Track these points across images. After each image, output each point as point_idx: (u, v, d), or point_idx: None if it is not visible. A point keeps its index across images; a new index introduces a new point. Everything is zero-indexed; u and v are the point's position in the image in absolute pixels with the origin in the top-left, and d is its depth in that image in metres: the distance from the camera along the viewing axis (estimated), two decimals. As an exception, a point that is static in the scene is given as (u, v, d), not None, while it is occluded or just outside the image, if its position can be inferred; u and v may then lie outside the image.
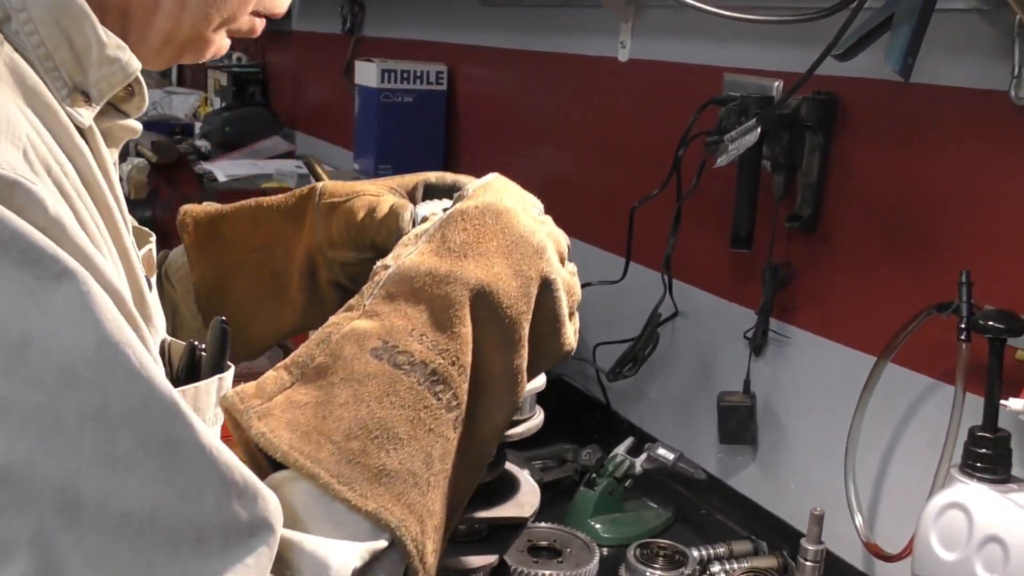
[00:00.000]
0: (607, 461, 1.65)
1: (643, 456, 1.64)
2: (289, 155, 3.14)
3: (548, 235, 0.78)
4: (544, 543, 1.53)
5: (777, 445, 1.58)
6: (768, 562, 1.50)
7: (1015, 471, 1.09)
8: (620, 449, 1.67)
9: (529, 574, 1.44)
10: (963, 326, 1.11)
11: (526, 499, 0.94)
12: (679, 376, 1.80)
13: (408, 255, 0.73)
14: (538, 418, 0.93)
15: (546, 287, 0.74)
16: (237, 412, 0.63)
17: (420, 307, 0.68)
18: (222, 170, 2.50)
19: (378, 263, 0.75)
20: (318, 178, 1.51)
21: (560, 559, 1.50)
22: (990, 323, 1.07)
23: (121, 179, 2.14)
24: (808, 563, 1.17)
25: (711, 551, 1.53)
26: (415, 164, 2.58)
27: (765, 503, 1.61)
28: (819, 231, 1.47)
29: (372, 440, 0.61)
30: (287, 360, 0.67)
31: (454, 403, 0.66)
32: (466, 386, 0.67)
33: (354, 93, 2.58)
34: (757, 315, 1.56)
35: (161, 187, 1.85)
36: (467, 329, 0.68)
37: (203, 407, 0.68)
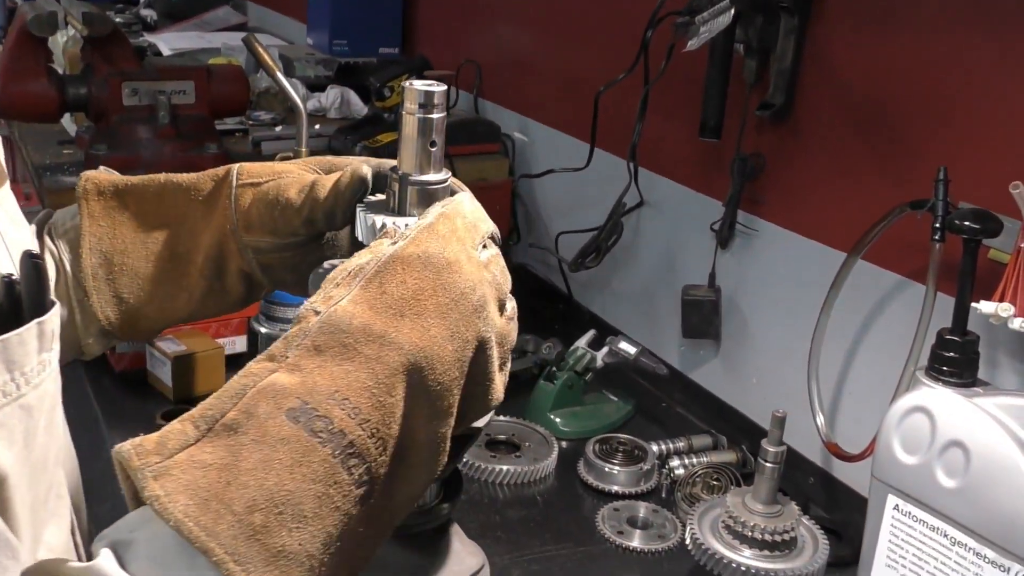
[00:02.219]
0: (568, 354, 1.61)
1: (604, 350, 1.61)
2: (240, 27, 2.99)
3: (490, 284, 0.70)
4: (502, 437, 1.51)
5: (740, 341, 1.56)
6: (727, 456, 1.49)
7: (981, 375, 1.07)
8: (581, 342, 1.64)
9: (486, 469, 1.43)
10: (937, 225, 1.07)
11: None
12: (643, 268, 1.76)
13: (341, 301, 0.64)
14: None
15: (480, 348, 0.67)
16: (132, 469, 0.55)
17: (347, 367, 0.61)
18: (166, 43, 2.37)
19: (305, 305, 0.66)
20: (260, 63, 1.42)
21: (518, 453, 1.48)
22: (965, 223, 1.03)
23: (55, 53, 2.01)
24: (768, 464, 1.15)
25: (670, 445, 1.52)
26: (371, 41, 2.47)
27: (726, 398, 1.60)
28: (791, 121, 1.41)
29: (276, 515, 0.55)
30: (194, 412, 0.59)
31: (365, 479, 0.59)
32: (384, 458, 0.60)
33: (306, -35, 2.44)
34: (724, 207, 1.51)
35: (96, 62, 1.73)
36: (394, 399, 0.61)
37: (20, 358, 0.60)
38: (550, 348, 1.59)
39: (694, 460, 1.48)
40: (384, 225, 0.79)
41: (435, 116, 0.79)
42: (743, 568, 1.16)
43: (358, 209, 0.83)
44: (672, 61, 1.50)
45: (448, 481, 0.90)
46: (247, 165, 0.87)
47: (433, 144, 0.80)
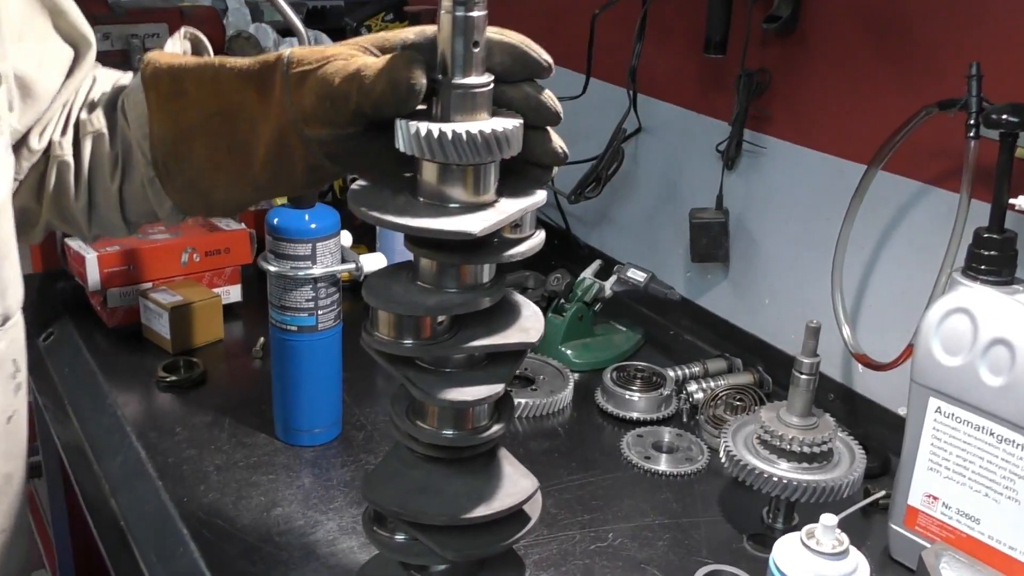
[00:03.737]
0: (575, 285, 1.59)
1: (613, 279, 1.59)
2: (198, -22, 2.87)
3: None
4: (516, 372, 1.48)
5: (750, 261, 1.54)
6: (744, 378, 1.48)
7: (1019, 273, 1.06)
8: (587, 273, 1.61)
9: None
10: (972, 122, 1.05)
11: (530, 323, 0.86)
12: (644, 196, 1.72)
13: None
14: (539, 236, 0.84)
15: None
16: None
17: None
18: (126, -6, 2.26)
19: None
20: None
21: (534, 387, 1.46)
22: (1003, 117, 1.01)
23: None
24: (803, 376, 1.13)
25: (686, 371, 1.50)
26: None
27: (737, 321, 1.58)
28: (798, 32, 1.38)
29: None
30: None
31: None
32: None
33: (269, -97, 2.34)
34: (731, 126, 1.48)
35: None
36: None
37: None
38: (559, 280, 1.56)
39: (711, 384, 1.46)
40: (429, 133, 0.75)
41: (476, 14, 0.75)
42: (783, 480, 1.14)
43: (397, 118, 0.78)
44: (671, -23, 1.46)
45: (499, 403, 0.87)
46: (298, 50, 0.82)
47: (476, 44, 0.76)
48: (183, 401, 1.42)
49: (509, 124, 0.77)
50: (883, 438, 1.33)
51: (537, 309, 0.89)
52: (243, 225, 1.69)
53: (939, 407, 1.07)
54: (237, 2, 2.30)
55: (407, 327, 0.81)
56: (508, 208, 0.79)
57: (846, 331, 1.27)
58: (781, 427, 1.16)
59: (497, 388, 0.83)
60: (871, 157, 1.23)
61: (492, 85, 0.78)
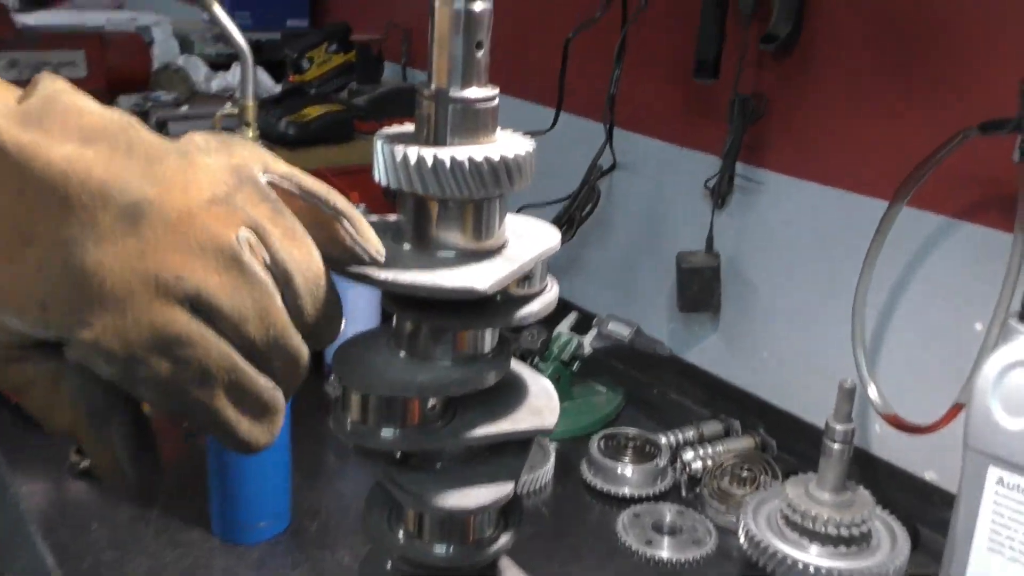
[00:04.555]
0: (551, 342, 1.41)
1: (592, 333, 1.42)
2: (118, 10, 2.67)
3: None
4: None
5: (745, 310, 1.38)
6: (744, 443, 1.32)
7: (1087, 319, 0.91)
8: (563, 327, 1.44)
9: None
10: (1027, 146, 0.91)
11: (541, 402, 0.69)
12: (622, 239, 1.57)
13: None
14: (553, 290, 0.67)
15: None
16: None
17: None
18: (40, 23, 2.06)
19: None
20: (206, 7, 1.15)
21: (510, 460, 1.27)
22: (1068, 140, 0.87)
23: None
24: (836, 445, 0.98)
25: (680, 436, 1.33)
26: (276, 13, 2.21)
27: (730, 377, 1.42)
28: (797, 53, 1.24)
29: None
30: None
31: None
32: None
33: (195, -71, 2.17)
34: (722, 159, 1.33)
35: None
36: None
37: None
38: (533, 336, 1.39)
39: (709, 450, 1.30)
40: (421, 161, 0.57)
41: (479, 7, 0.58)
42: (812, 568, 0.98)
43: (376, 140, 0.60)
44: (652, -2, 1.32)
45: (505, 509, 0.69)
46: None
47: (479, 46, 0.59)
48: (101, 490, 1.20)
49: (521, 147, 0.60)
50: (909, 507, 1.18)
51: (547, 383, 0.72)
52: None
53: (1001, 477, 0.92)
54: (164, 33, 2.11)
55: (390, 412, 0.63)
56: (520, 255, 0.62)
57: (872, 389, 1.12)
58: (811, 504, 1.00)
59: (506, 488, 0.65)
60: (893, 191, 1.08)
61: (497, 100, 0.61)
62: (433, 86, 0.59)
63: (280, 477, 1.12)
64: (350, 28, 1.91)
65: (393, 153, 0.58)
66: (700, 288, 1.37)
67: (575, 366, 1.42)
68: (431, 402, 0.63)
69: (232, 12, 2.11)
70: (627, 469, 1.24)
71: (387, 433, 0.63)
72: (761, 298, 1.36)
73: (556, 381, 1.39)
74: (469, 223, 0.60)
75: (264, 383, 0.49)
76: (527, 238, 0.65)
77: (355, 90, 1.79)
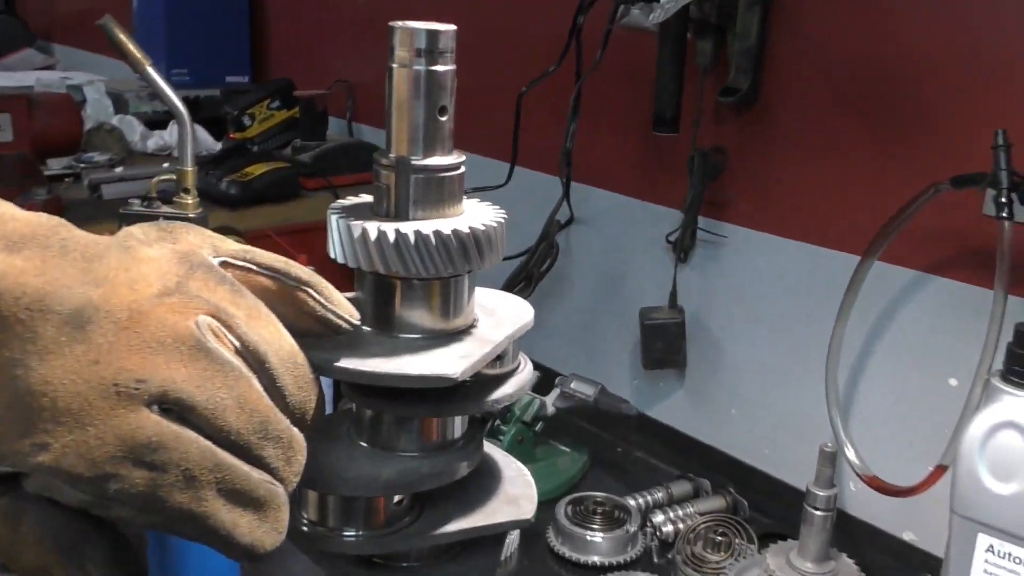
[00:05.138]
0: (513, 403, 1.36)
1: (555, 393, 1.37)
2: (48, 70, 2.59)
3: None
4: (449, 514, 1.23)
5: (712, 366, 1.34)
6: (714, 503, 1.27)
7: (1070, 375, 0.88)
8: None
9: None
10: (1004, 200, 0.88)
11: (518, 489, 0.63)
12: (582, 295, 1.52)
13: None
14: (527, 368, 0.62)
15: None
16: None
17: None
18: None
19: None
20: (123, 52, 1.09)
21: (473, 532, 1.21)
22: (1047, 192, 0.85)
23: None
24: (818, 512, 0.94)
25: (648, 498, 1.28)
26: (216, 69, 2.15)
27: (698, 435, 1.38)
28: (759, 106, 1.22)
29: None
30: None
31: None
32: None
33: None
34: (683, 213, 1.30)
35: None
36: None
37: None
38: (493, 398, 1.33)
39: (679, 512, 1.25)
40: (381, 237, 0.52)
41: (442, 68, 0.54)
42: (797, 645, 0.93)
43: (330, 214, 0.55)
44: (604, 50, 1.29)
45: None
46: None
47: (443, 111, 0.54)
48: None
49: (490, 218, 0.56)
50: (887, 569, 1.14)
51: (522, 467, 0.66)
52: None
53: (991, 545, 0.88)
54: (97, 92, 2.04)
55: (352, 512, 0.57)
56: (492, 335, 0.57)
57: (850, 450, 1.08)
58: (793, 575, 0.95)
59: (482, 591, 0.59)
60: (864, 245, 1.06)
61: (464, 168, 0.57)
62: (392, 154, 0.54)
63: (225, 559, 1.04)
64: (293, 84, 1.86)
65: (350, 229, 0.53)
66: (665, 344, 1.33)
67: (538, 427, 1.36)
68: (397, 497, 0.58)
69: (169, 70, 2.06)
70: (596, 536, 1.18)
71: (349, 537, 0.57)
72: (728, 354, 1.32)
73: (519, 443, 1.34)
74: (436, 302, 0.55)
75: (258, 477, 0.44)
76: (498, 314, 0.60)
77: (299, 146, 1.74)
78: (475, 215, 0.56)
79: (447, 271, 0.53)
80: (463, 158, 0.56)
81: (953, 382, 1.06)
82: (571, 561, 1.18)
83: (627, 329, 1.40)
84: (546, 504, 1.26)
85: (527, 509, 0.61)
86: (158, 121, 2.03)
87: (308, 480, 0.56)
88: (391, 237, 0.52)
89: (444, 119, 0.54)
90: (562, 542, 1.20)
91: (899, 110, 1.07)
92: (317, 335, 0.50)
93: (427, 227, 0.52)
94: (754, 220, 1.25)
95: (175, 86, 2.12)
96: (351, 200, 0.58)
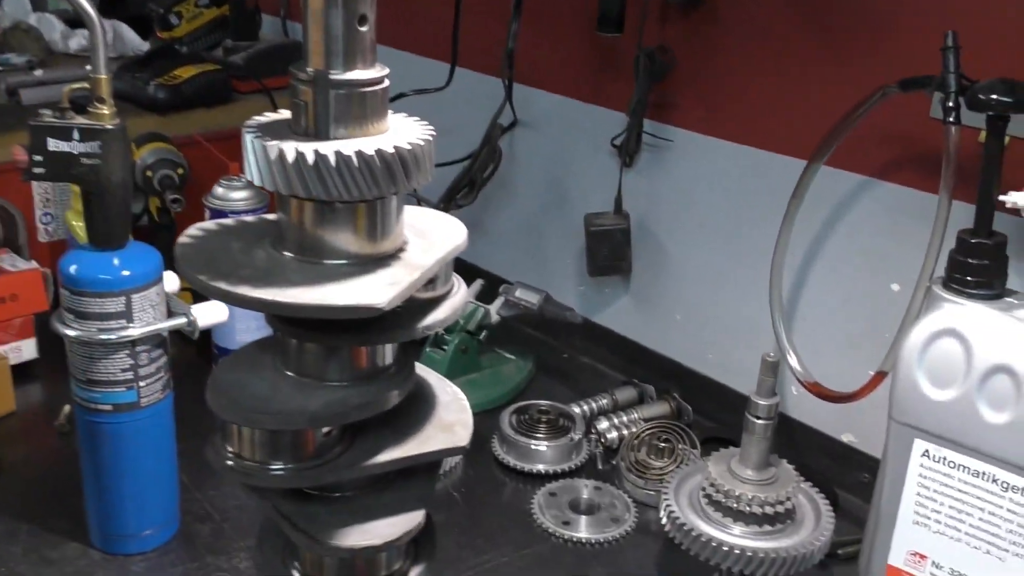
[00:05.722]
0: (456, 313, 1.34)
1: (499, 301, 1.35)
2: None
3: None
4: (393, 425, 1.22)
5: (657, 272, 1.33)
6: (659, 408, 1.28)
7: (1010, 283, 0.88)
8: (469, 295, 1.36)
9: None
10: (951, 104, 0.86)
11: (452, 416, 0.61)
12: (526, 201, 1.49)
13: None
14: (460, 291, 0.60)
15: None
16: None
17: None
18: None
19: None
20: None
21: (418, 442, 1.20)
22: (992, 97, 0.83)
23: None
24: (759, 420, 0.94)
25: (593, 405, 1.28)
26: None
27: (643, 340, 1.38)
28: (706, 6, 1.18)
29: None
30: None
31: None
32: None
33: None
34: (629, 116, 1.26)
35: None
36: None
37: None
38: (436, 308, 1.31)
39: (624, 418, 1.25)
40: (300, 158, 0.49)
41: (360, -27, 0.50)
42: (736, 550, 0.94)
43: (246, 133, 0.51)
44: (550, -57, 1.23)
45: (417, 539, 0.62)
46: None
47: (363, 21, 0.50)
48: (-35, 501, 1.09)
49: (417, 135, 0.53)
50: (823, 470, 1.16)
51: (457, 391, 0.64)
52: (34, 263, 1.35)
53: (926, 450, 0.89)
54: (14, -12, 1.92)
55: (279, 445, 0.55)
56: (422, 259, 0.54)
57: (792, 357, 1.08)
58: (734, 483, 0.95)
59: (416, 518, 0.58)
60: (811, 149, 1.04)
61: (387, 82, 0.53)
62: (310, 69, 0.50)
63: (165, 478, 1.03)
64: (220, -21, 1.76)
65: (266, 150, 0.49)
66: (610, 252, 1.31)
67: (482, 335, 1.35)
68: (326, 428, 0.56)
69: (91, -39, 1.93)
70: (541, 444, 1.19)
71: (276, 470, 0.55)
72: (673, 260, 1.31)
73: (463, 352, 1.33)
74: (361, 226, 0.52)
75: None
76: (429, 236, 0.57)
77: (230, 47, 1.66)
78: (401, 132, 0.52)
79: (371, 194, 0.50)
80: (386, 71, 0.52)
81: (895, 287, 1.06)
82: (516, 470, 1.18)
83: (572, 236, 1.38)
84: (491, 412, 1.26)
85: (462, 436, 0.59)
86: (80, 20, 1.92)
87: (231, 412, 0.53)
88: (310, 158, 0.48)
89: (365, 29, 0.50)
90: (507, 451, 1.20)
91: (848, 11, 1.04)
92: None
93: (349, 147, 0.49)
94: (700, 123, 1.22)
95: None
96: (269, 116, 0.54)
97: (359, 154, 0.49)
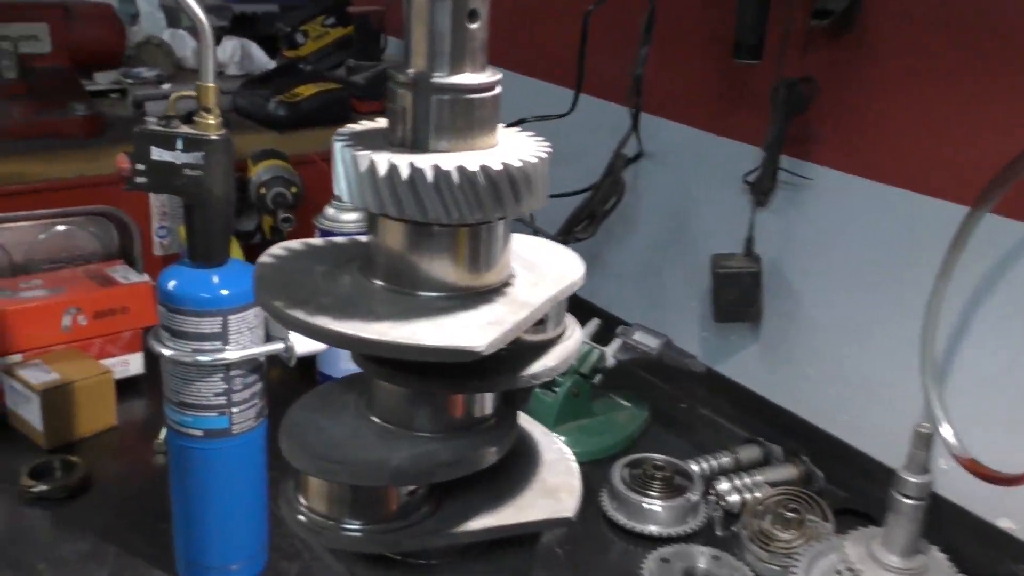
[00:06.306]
0: (568, 354, 1.26)
1: (616, 344, 1.27)
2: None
3: None
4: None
5: (789, 321, 1.22)
6: (786, 472, 1.16)
7: None
8: (583, 335, 1.28)
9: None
10: None
11: (558, 478, 0.53)
12: (649, 237, 1.40)
13: None
14: (575, 335, 0.52)
15: None
16: None
17: None
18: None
19: None
20: None
21: (520, 490, 1.12)
22: None
23: None
24: (908, 500, 0.82)
25: (713, 463, 1.18)
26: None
27: (772, 396, 1.27)
28: (857, 30, 1.07)
29: None
30: None
31: None
32: None
33: None
34: (764, 151, 1.17)
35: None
36: None
37: None
38: (548, 347, 1.23)
39: (747, 480, 1.14)
40: (393, 172, 0.42)
41: (475, -37, 0.42)
42: (874, 644, 0.82)
43: (335, 141, 0.45)
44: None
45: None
46: None
47: (473, 16, 0.43)
48: (55, 518, 1.07)
49: (530, 152, 0.45)
50: (974, 557, 1.02)
51: (564, 449, 0.56)
52: (146, 276, 1.33)
53: (1111, 548, 0.76)
54: (151, 5, 1.95)
55: (356, 501, 0.48)
56: (530, 297, 0.46)
57: (946, 427, 0.96)
58: (877, 570, 0.84)
59: (510, 599, 0.49)
60: (974, 194, 0.92)
61: (499, 88, 0.46)
62: (411, 70, 0.43)
63: (255, 514, 0.98)
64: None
65: (356, 160, 0.42)
66: (738, 296, 1.21)
67: (596, 379, 1.26)
68: (412, 487, 0.48)
69: (224, -18, 1.96)
70: (655, 504, 1.09)
71: (351, 530, 0.47)
72: (808, 309, 1.20)
73: (575, 396, 1.25)
74: (462, 254, 0.45)
75: None
76: (539, 269, 0.50)
77: (353, 66, 1.63)
78: (512, 148, 0.45)
79: (474, 216, 0.43)
80: (498, 76, 0.45)
81: (1070, 354, 0.93)
82: (626, 529, 1.09)
83: (697, 277, 1.28)
84: (602, 463, 1.17)
85: (568, 505, 0.51)
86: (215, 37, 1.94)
87: (302, 458, 0.47)
88: (404, 172, 0.41)
89: (475, 26, 0.43)
90: (617, 507, 1.10)
91: (1020, 39, 0.92)
92: None
93: (449, 161, 0.42)
94: (845, 161, 1.11)
95: (231, 0, 2.04)
96: (365, 125, 0.48)
97: (461, 170, 0.42)
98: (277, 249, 0.50)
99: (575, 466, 0.54)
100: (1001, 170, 0.90)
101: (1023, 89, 0.93)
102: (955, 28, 0.99)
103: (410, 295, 0.45)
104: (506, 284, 0.47)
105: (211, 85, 0.83)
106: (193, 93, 0.82)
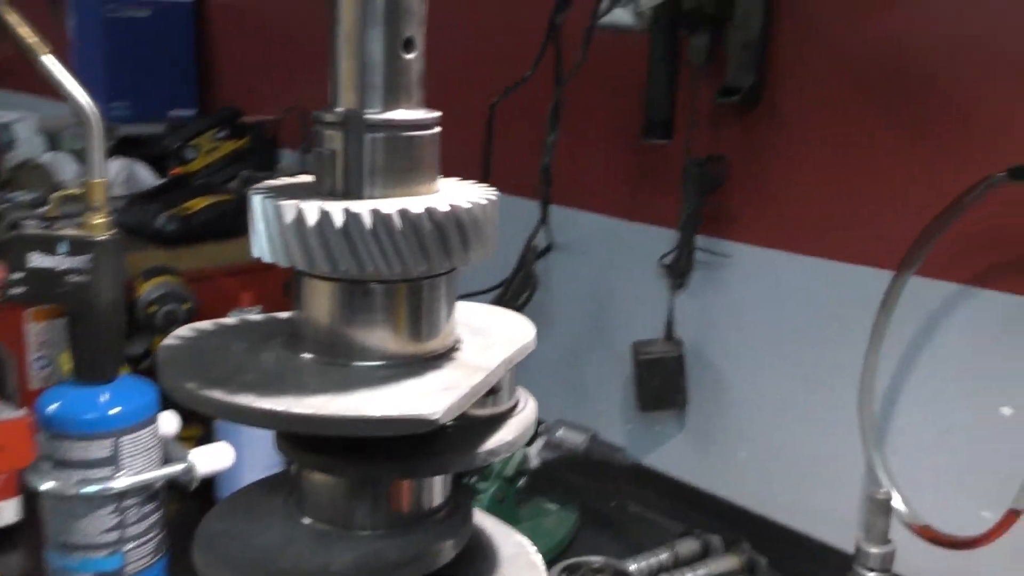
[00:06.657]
0: (492, 456, 1.19)
1: (539, 443, 1.20)
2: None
3: None
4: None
5: (716, 404, 1.19)
6: (727, 563, 1.10)
7: None
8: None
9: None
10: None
11: (519, 574, 0.47)
12: (565, 329, 1.36)
13: None
14: (529, 407, 0.46)
15: None
16: None
17: None
18: None
19: None
20: (17, 42, 0.90)
21: (452, 607, 1.03)
22: None
23: None
24: (872, 574, 0.78)
25: (652, 560, 1.11)
26: (159, 102, 1.99)
27: (702, 483, 1.22)
28: (764, 106, 1.08)
29: None
30: None
31: None
32: None
33: (65, 11, 1.95)
34: (679, 232, 1.15)
35: None
36: None
37: None
38: (471, 450, 1.16)
39: (688, 575, 1.08)
40: (323, 219, 0.36)
41: (404, -13, 0.38)
42: None
43: (253, 195, 0.39)
44: (587, 49, 1.15)
45: None
46: None
47: (409, 45, 0.39)
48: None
49: (476, 197, 0.40)
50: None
51: (523, 541, 0.50)
52: (23, 411, 1.21)
53: (1085, 608, 0.72)
54: (28, 130, 1.87)
55: (292, 617, 0.40)
56: (481, 360, 0.41)
57: (896, 496, 0.92)
58: (844, 653, 0.79)
59: None
60: (898, 257, 0.91)
61: (439, 127, 0.41)
62: (340, 107, 0.38)
63: None
64: (240, 111, 1.70)
65: (280, 212, 0.37)
66: (662, 382, 1.18)
67: (520, 483, 1.19)
68: (356, 594, 0.41)
69: (108, 102, 1.89)
70: (597, 611, 1.01)
71: (287, 653, 0.40)
72: (735, 390, 1.16)
73: (499, 502, 1.17)
74: (403, 315, 0.39)
75: None
76: (487, 332, 0.44)
77: (248, 177, 1.58)
78: (455, 193, 0.40)
79: (418, 269, 0.37)
80: (437, 114, 0.40)
81: (1007, 411, 0.91)
82: (568, 639, 1.01)
83: (619, 366, 1.24)
84: (535, 571, 1.10)
85: (537, 602, 0.44)
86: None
87: (224, 572, 0.39)
88: (337, 219, 0.36)
89: (411, 56, 0.39)
90: (557, 616, 1.03)
91: (933, 98, 0.93)
92: None
93: (389, 206, 0.37)
94: (762, 236, 1.10)
95: (115, 120, 1.97)
96: (284, 180, 0.42)
97: (403, 213, 0.36)
98: (184, 331, 0.44)
99: (538, 560, 0.48)
100: (921, 232, 0.89)
101: (937, 148, 0.94)
102: (863, 95, 1.00)
103: (345, 366, 0.39)
104: (453, 349, 0.42)
105: (99, 180, 0.76)
106: (78, 190, 0.75)
